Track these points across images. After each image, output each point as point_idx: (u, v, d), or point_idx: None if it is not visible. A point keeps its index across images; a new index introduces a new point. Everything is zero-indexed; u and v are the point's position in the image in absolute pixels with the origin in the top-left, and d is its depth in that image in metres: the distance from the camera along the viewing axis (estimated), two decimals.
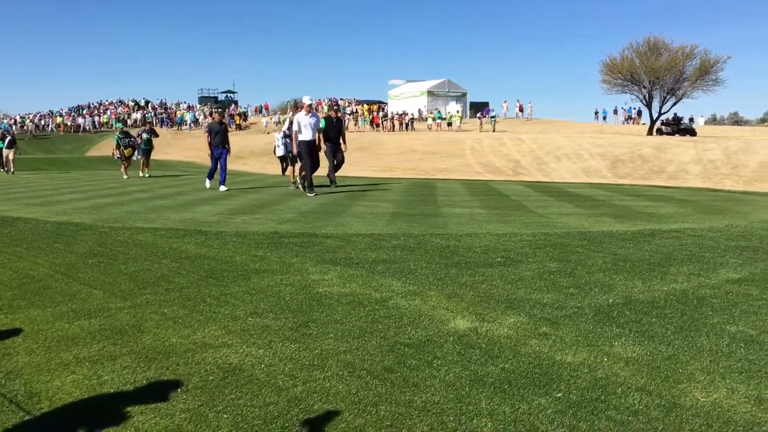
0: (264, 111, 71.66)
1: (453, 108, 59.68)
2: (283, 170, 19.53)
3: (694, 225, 8.12)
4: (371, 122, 57.52)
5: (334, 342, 3.60)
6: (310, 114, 13.30)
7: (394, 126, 55.65)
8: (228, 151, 15.09)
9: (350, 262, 5.64)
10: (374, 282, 4.94)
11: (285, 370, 3.19)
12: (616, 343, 3.66)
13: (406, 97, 67.46)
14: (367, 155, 34.05)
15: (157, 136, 23.25)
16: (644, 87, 47.57)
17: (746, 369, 3.31)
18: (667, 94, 47.09)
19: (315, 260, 5.69)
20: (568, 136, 38.35)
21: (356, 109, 63.27)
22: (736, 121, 77.83)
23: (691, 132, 44.87)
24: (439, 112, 58.73)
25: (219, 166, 14.91)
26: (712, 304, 4.49)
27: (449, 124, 53.72)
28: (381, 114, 58.56)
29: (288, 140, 14.76)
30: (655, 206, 10.84)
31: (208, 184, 15.24)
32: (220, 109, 16.38)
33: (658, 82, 46.52)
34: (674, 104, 47.90)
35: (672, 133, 44.50)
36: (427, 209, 10.06)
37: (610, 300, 4.54)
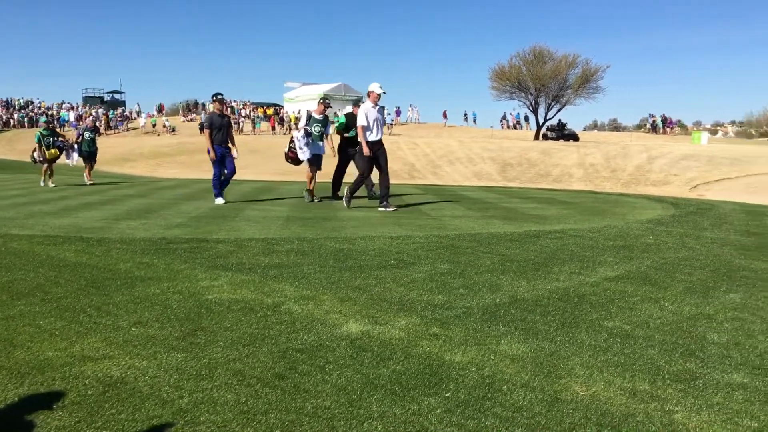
0: (162, 111, 70.17)
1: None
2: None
3: (575, 226, 8.53)
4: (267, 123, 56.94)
5: (224, 350, 3.51)
6: (377, 107, 10.82)
7: (290, 129, 55.26)
8: (231, 152, 11.85)
9: (242, 267, 5.53)
10: (266, 287, 4.86)
11: (170, 382, 3.07)
12: (503, 341, 3.77)
13: (302, 100, 67.04)
14: (263, 158, 33.53)
15: (99, 135, 20.27)
16: (531, 94, 49.71)
17: (622, 362, 3.50)
18: (552, 100, 49.44)
19: (205, 266, 5.53)
20: (461, 141, 39.43)
21: (250, 112, 62.45)
22: (615, 127, 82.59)
23: (574, 137, 47.29)
24: (337, 115, 58.75)
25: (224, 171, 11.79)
26: (591, 301, 4.72)
27: None
28: (277, 117, 58.20)
29: (310, 139, 12.04)
30: (540, 208, 11.31)
31: (220, 200, 11.69)
32: (220, 96, 11.87)
33: (543, 89, 48.74)
34: (558, 111, 50.37)
35: (557, 138, 46.71)
36: (321, 213, 10.03)
37: (498, 299, 4.68)
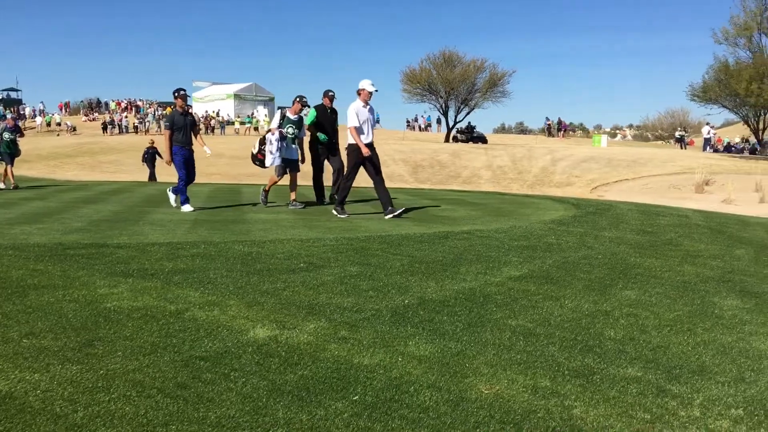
0: (67, 109, 67.53)
1: (261, 112, 59.19)
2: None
3: (482, 227, 8.72)
4: None
5: (123, 360, 3.37)
6: (368, 106, 9.81)
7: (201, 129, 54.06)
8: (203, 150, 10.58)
9: (144, 273, 5.33)
10: (170, 293, 4.71)
11: (64, 395, 2.91)
12: (410, 343, 3.81)
13: (212, 99, 65.79)
14: None
15: (22, 135, 18.23)
16: (441, 97, 50.71)
17: (524, 360, 3.60)
18: (462, 104, 50.63)
19: (104, 273, 5.29)
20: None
21: (158, 111, 60.69)
22: (522, 130, 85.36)
23: (483, 140, 48.66)
24: (249, 116, 58.06)
25: (180, 173, 10.32)
26: (496, 300, 4.84)
27: (256, 129, 53.25)
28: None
29: (284, 144, 10.87)
30: (450, 209, 11.51)
31: (188, 207, 10.22)
32: (183, 92, 10.31)
33: (453, 92, 49.84)
34: (468, 114, 51.66)
35: (466, 141, 47.96)
36: (231, 216, 9.83)
37: (406, 301, 4.72)
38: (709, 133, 52.06)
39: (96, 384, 3.05)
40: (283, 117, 11.04)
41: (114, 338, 3.71)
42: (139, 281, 5.03)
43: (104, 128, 53.92)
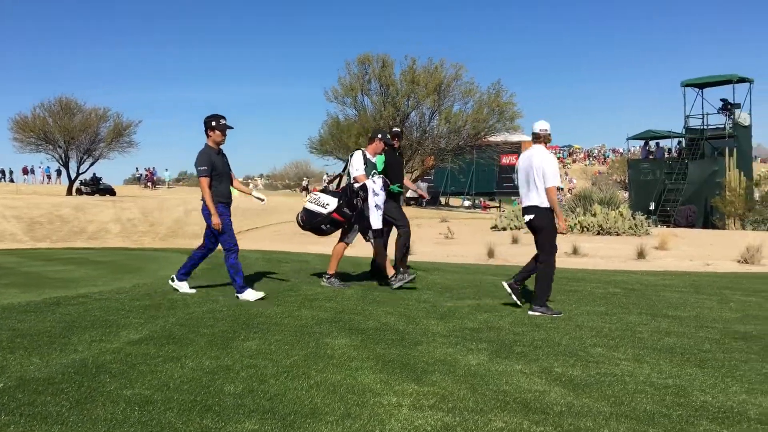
0: None
1: None
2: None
3: (103, 287, 8.11)
4: None
5: None
6: None
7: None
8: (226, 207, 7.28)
9: None
10: None
11: None
12: None
13: None
14: None
15: None
16: (60, 146, 47.01)
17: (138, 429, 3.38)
18: (84, 154, 47.51)
19: None
20: None
21: None
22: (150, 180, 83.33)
23: (111, 192, 46.31)
24: None
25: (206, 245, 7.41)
26: (110, 369, 4.49)
27: None
28: None
29: (384, 191, 7.80)
30: (67, 270, 10.53)
31: (186, 287, 7.60)
32: (224, 122, 6.90)
33: (73, 142, 46.59)
34: (92, 164, 48.66)
35: (92, 193, 45.14)
36: None
37: (1, 384, 4.10)
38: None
39: None
40: (366, 161, 8.00)
41: None
42: None
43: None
